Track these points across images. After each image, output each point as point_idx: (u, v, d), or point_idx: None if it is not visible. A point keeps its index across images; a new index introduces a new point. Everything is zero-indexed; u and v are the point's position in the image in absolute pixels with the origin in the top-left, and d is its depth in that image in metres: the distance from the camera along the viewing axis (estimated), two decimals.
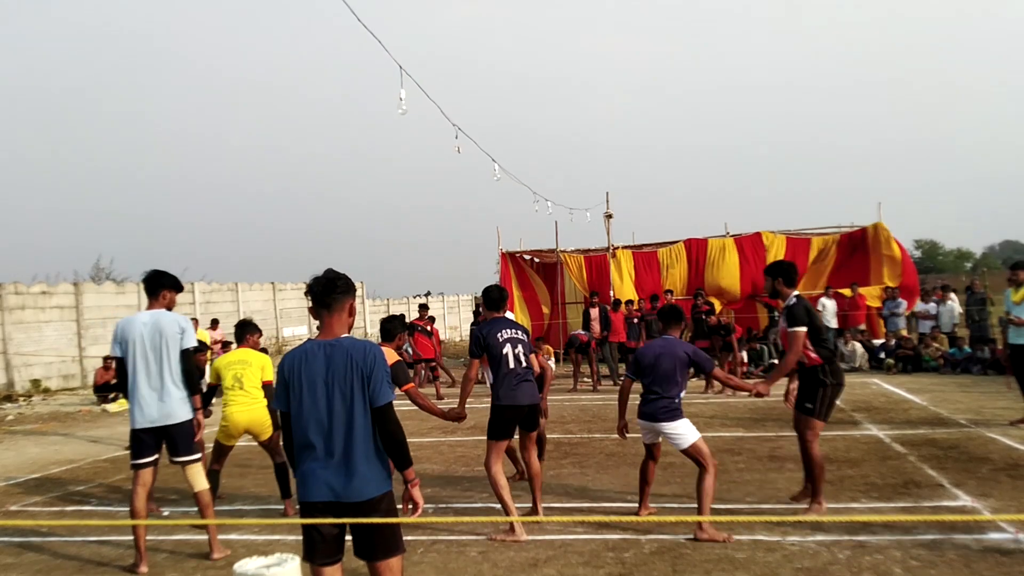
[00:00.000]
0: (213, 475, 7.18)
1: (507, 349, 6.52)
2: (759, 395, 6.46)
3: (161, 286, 6.14)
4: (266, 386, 7.17)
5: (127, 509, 7.62)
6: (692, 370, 6.54)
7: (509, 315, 7.25)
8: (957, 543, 5.63)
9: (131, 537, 6.55)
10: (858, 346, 17.52)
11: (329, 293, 3.80)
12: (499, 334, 6.56)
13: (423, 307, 17.86)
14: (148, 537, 6.47)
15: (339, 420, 3.65)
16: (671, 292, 18.20)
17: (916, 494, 6.97)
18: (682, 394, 6.42)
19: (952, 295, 18.31)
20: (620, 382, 16.99)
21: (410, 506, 3.88)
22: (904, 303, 18.13)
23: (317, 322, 3.91)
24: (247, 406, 7.11)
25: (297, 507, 3.95)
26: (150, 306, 6.11)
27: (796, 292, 6.72)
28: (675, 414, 6.32)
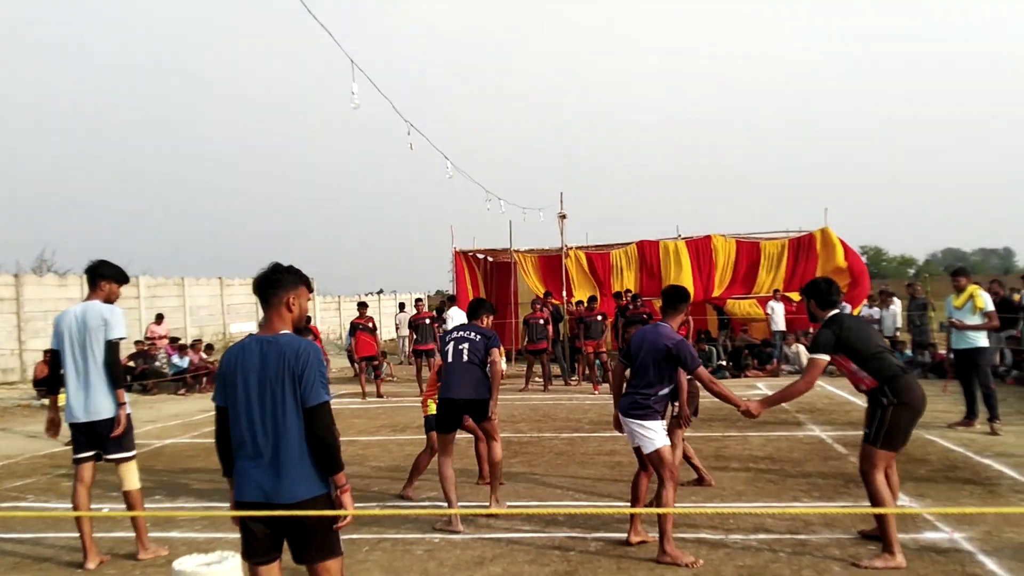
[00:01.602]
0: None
1: (450, 346, 6.75)
2: (748, 413, 5.68)
3: (101, 276, 5.91)
4: None
5: (66, 506, 7.47)
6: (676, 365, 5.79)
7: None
8: None
9: (70, 534, 6.43)
10: (801, 348, 17.79)
11: (267, 287, 3.71)
12: (453, 334, 6.87)
13: (362, 305, 17.68)
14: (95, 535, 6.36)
15: (269, 419, 3.56)
16: (629, 291, 18.01)
17: (856, 494, 7.09)
18: (661, 392, 5.79)
19: (895, 300, 18.73)
20: (572, 381, 17.04)
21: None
22: (848, 307, 18.45)
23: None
24: None
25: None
26: (88, 297, 5.93)
27: (834, 312, 5.79)
28: (647, 412, 5.71)
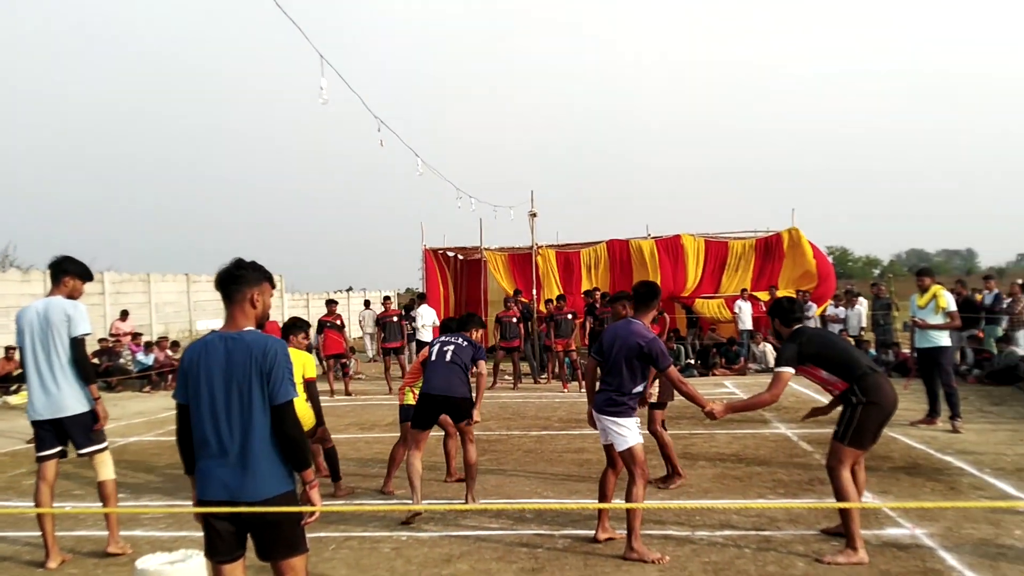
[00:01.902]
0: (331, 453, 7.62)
1: (436, 347, 7.01)
2: (711, 415, 5.67)
3: (64, 272, 5.82)
4: (308, 383, 7.02)
5: (27, 504, 7.35)
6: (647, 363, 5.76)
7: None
8: None
9: (30, 533, 6.33)
10: (768, 347, 17.97)
11: (230, 283, 3.66)
12: (440, 339, 7.16)
13: (331, 303, 17.59)
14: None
15: (236, 416, 3.51)
16: (597, 289, 17.95)
17: (821, 491, 7.18)
18: (635, 390, 5.81)
19: (860, 300, 18.97)
20: (541, 379, 17.05)
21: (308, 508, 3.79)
22: (814, 306, 18.65)
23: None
24: None
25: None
26: (50, 293, 5.84)
27: (796, 327, 5.87)
28: (621, 410, 5.74)
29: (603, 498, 6.00)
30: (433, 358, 6.91)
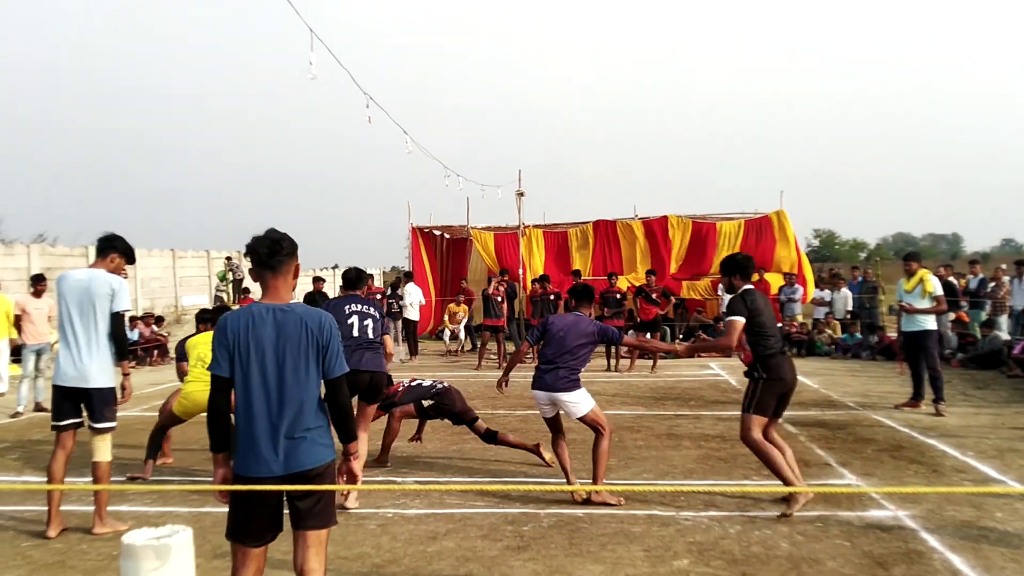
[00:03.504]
0: (157, 435, 7.47)
1: (353, 320, 6.80)
2: (676, 353, 6.82)
3: (113, 248, 5.89)
4: None
5: (8, 479, 7.33)
6: (604, 345, 6.65)
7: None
8: (841, 519, 5.87)
9: (21, 508, 6.35)
10: None
11: (275, 255, 3.58)
12: (346, 308, 6.81)
13: (318, 279, 17.50)
14: (35, 508, 6.25)
15: (290, 389, 3.50)
16: (614, 275, 17.52)
17: (805, 472, 7.21)
18: (583, 367, 6.62)
19: (845, 283, 19.03)
20: (527, 359, 17.13)
21: (344, 479, 3.83)
22: (801, 289, 18.72)
23: (259, 284, 3.68)
24: (208, 385, 6.86)
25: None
26: (94, 265, 5.87)
27: (747, 286, 6.49)
28: (575, 384, 6.50)
29: (565, 463, 6.70)
30: (354, 334, 6.71)
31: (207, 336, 7.20)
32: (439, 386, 7.77)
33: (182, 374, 7.66)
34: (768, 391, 6.32)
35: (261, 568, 3.61)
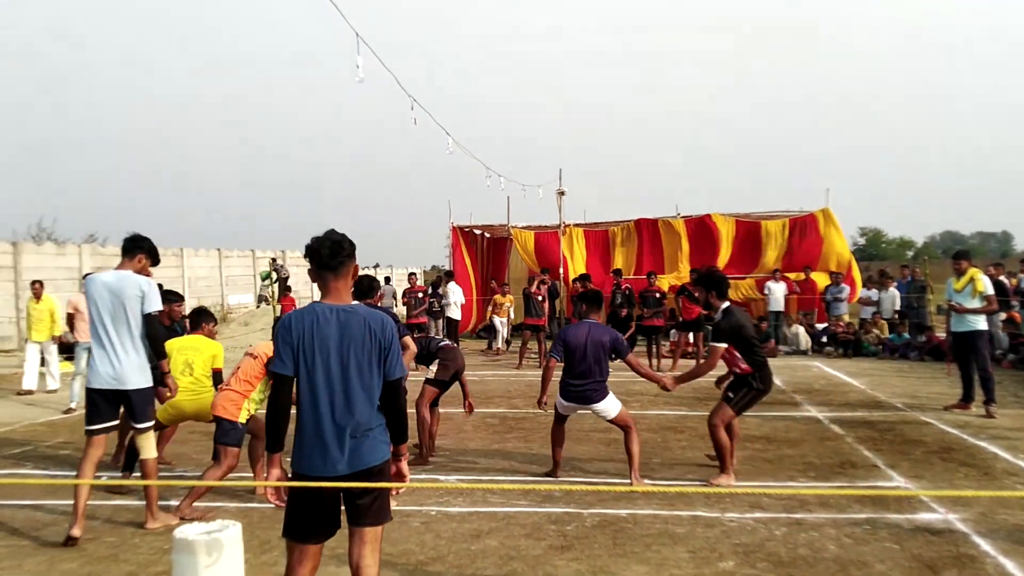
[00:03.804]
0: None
1: None
2: (665, 388, 7.04)
3: (140, 248, 5.95)
4: (216, 373, 7.00)
5: (64, 474, 7.49)
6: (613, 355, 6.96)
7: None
8: (890, 522, 5.78)
9: (68, 502, 6.44)
10: (800, 329, 17.83)
11: (336, 255, 3.61)
12: None
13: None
14: (91, 502, 6.36)
15: (354, 389, 3.54)
16: (653, 274, 17.42)
17: (852, 474, 7.13)
18: (607, 375, 6.92)
19: (893, 282, 18.72)
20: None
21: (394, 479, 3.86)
22: (847, 288, 18.46)
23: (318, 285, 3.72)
24: (195, 393, 6.84)
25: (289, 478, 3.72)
26: (121, 266, 5.92)
27: (726, 304, 6.90)
28: (605, 392, 6.86)
29: (559, 443, 7.18)
30: None
31: (184, 341, 7.10)
32: (443, 343, 8.11)
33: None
34: (756, 399, 6.87)
35: (316, 566, 3.66)
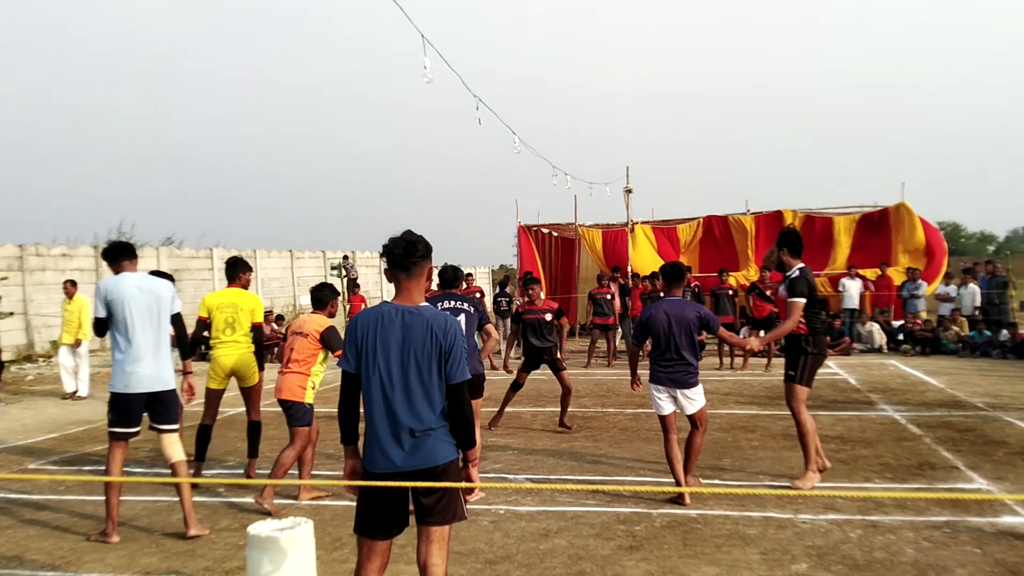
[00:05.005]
0: (205, 431, 7.31)
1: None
2: (751, 350, 7.29)
3: (134, 252, 6.04)
4: (255, 328, 7.14)
5: (143, 471, 7.73)
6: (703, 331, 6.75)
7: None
8: (971, 525, 5.60)
9: (149, 498, 6.66)
10: (875, 327, 17.38)
11: (410, 256, 3.62)
12: (438, 305, 6.70)
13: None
14: (167, 499, 6.55)
15: (415, 390, 3.56)
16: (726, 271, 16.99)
17: (930, 476, 6.93)
18: (698, 359, 6.64)
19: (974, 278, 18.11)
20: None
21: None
22: (924, 284, 17.93)
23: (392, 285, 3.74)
24: (235, 349, 7.08)
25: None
26: (125, 268, 5.90)
27: (800, 264, 6.81)
28: (695, 379, 6.57)
29: (677, 464, 6.51)
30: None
31: (222, 298, 7.22)
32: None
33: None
34: (816, 364, 6.72)
35: (386, 562, 3.70)
